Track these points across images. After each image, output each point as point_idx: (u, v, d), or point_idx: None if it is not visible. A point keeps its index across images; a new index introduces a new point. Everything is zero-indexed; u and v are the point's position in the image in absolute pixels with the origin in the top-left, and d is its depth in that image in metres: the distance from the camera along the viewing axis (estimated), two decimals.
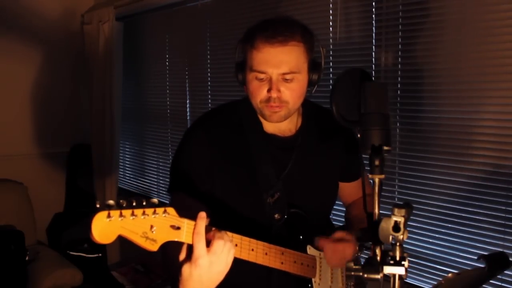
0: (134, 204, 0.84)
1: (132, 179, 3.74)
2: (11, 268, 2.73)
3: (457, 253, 1.81)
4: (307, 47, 1.20)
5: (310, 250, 1.29)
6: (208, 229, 0.94)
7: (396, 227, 0.74)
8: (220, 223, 0.98)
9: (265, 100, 1.21)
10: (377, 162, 0.82)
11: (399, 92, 1.95)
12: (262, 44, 1.17)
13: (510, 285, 1.67)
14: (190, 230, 0.92)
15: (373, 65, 2.02)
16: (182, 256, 0.95)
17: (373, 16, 1.99)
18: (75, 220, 3.31)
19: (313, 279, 1.28)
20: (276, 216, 1.27)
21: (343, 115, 0.94)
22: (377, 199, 0.83)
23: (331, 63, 2.17)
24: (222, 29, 2.71)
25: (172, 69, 3.19)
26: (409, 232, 0.76)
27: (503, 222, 1.67)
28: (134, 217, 0.83)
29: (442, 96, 1.82)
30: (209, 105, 2.88)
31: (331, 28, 2.15)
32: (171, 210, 0.89)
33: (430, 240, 1.89)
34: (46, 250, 3.10)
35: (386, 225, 0.74)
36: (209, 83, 2.86)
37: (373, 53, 2.01)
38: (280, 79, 1.18)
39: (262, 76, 1.19)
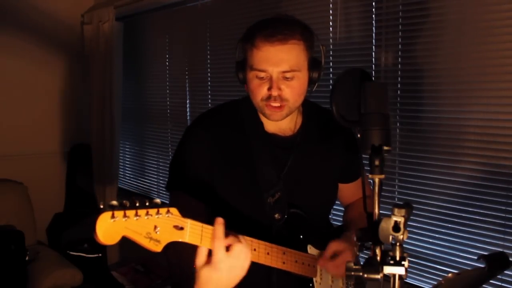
0: (137, 204, 0.83)
1: (132, 179, 3.73)
2: (11, 268, 2.72)
3: (457, 253, 1.81)
4: (307, 45, 1.21)
5: (310, 249, 1.29)
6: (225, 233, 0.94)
7: (396, 227, 0.74)
8: None
9: (265, 98, 1.21)
10: (377, 162, 0.82)
11: (399, 92, 1.95)
12: (262, 42, 1.17)
13: (510, 285, 1.67)
14: (193, 230, 0.92)
15: (373, 65, 2.02)
16: (201, 259, 0.95)
17: (373, 16, 1.99)
18: (75, 220, 3.31)
19: (314, 279, 1.28)
20: (276, 216, 1.27)
21: (343, 115, 0.94)
22: (377, 199, 0.83)
23: (331, 63, 2.17)
24: (222, 29, 2.71)
25: (172, 69, 3.19)
26: (409, 232, 0.75)
27: (503, 222, 1.68)
28: (137, 217, 0.83)
29: (442, 96, 1.82)
30: (209, 105, 2.88)
31: (331, 28, 2.15)
32: (174, 210, 0.89)
33: (430, 240, 1.89)
34: (46, 250, 3.10)
35: (386, 225, 0.74)
36: (209, 83, 2.86)
37: (373, 53, 2.01)
38: (280, 77, 1.18)
39: (262, 74, 1.19)
